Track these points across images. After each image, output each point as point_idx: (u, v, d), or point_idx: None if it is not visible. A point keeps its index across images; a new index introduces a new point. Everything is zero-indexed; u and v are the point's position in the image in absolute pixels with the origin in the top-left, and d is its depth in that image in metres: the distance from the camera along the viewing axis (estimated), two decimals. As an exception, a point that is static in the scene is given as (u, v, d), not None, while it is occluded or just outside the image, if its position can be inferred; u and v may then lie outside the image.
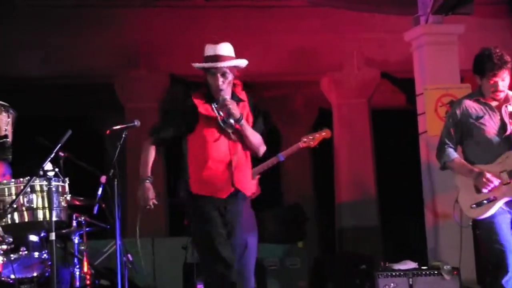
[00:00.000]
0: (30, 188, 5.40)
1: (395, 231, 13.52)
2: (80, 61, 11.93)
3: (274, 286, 9.91)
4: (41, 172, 5.45)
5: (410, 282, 7.91)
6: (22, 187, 5.35)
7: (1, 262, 6.52)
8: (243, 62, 5.89)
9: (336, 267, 10.37)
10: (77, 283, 7.53)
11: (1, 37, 11.57)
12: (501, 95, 6.22)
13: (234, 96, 5.89)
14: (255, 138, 5.86)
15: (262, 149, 5.95)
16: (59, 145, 5.71)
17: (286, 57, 12.47)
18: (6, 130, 5.15)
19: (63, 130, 5.89)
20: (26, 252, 6.73)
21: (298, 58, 12.47)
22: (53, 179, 5.50)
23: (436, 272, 8.01)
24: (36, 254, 6.77)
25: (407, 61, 10.55)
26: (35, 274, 6.84)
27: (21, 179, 5.46)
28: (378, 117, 13.18)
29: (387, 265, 8.20)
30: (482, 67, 6.16)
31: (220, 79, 5.83)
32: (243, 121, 5.75)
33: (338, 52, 12.60)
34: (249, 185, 5.98)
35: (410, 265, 8.14)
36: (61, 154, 7.08)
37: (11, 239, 6.35)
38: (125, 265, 7.13)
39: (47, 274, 6.85)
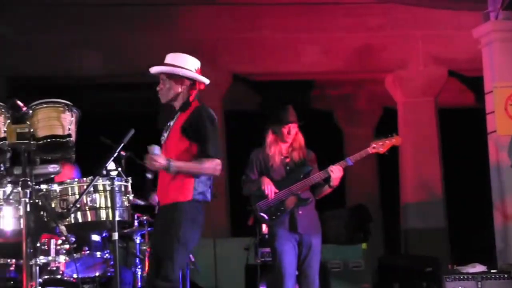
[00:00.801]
0: (93, 188, 5.34)
1: (462, 233, 13.27)
2: (142, 59, 11.90)
3: (337, 288, 9.81)
4: (104, 172, 5.40)
5: (479, 286, 7.74)
6: (85, 187, 5.30)
7: (64, 261, 6.53)
8: (169, 70, 6.03)
9: (401, 269, 10.20)
10: (139, 284, 7.51)
11: (64, 36, 11.63)
12: None
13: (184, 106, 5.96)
14: (196, 170, 5.74)
15: (212, 171, 5.80)
16: (122, 144, 5.65)
17: (350, 55, 12.34)
18: (69, 129, 5.10)
19: (126, 129, 5.85)
20: (88, 251, 6.74)
21: (363, 55, 12.33)
22: (116, 178, 5.44)
23: (505, 275, 7.80)
24: (98, 253, 6.78)
25: (476, 59, 10.32)
26: (97, 274, 6.87)
27: (84, 179, 5.42)
28: (445, 116, 12.93)
29: (454, 268, 8.01)
30: None
31: (159, 85, 6.07)
32: (172, 169, 5.65)
33: (404, 49, 12.40)
34: (165, 197, 5.78)
35: (478, 268, 7.96)
36: (123, 153, 7.05)
37: (73, 239, 6.36)
38: (187, 265, 7.07)
39: (109, 274, 6.86)
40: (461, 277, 7.79)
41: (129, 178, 5.69)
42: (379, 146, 7.05)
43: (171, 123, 5.89)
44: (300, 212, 7.07)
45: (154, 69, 6.08)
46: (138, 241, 7.75)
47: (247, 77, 12.84)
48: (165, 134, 5.86)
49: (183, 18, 12.03)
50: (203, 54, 12.05)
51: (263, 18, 12.16)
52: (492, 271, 7.88)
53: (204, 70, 12.02)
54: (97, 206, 5.39)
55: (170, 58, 6.10)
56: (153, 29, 11.91)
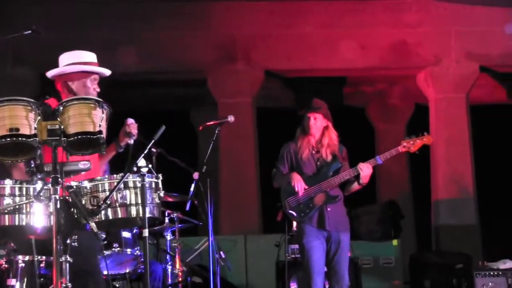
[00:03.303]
0: (124, 185, 5.36)
1: (494, 230, 13.19)
2: (176, 55, 11.98)
3: (368, 285, 9.79)
4: (135, 168, 5.43)
5: (509, 282, 7.70)
6: (115, 183, 5.33)
7: (95, 258, 6.58)
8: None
9: (432, 265, 10.17)
10: (169, 280, 7.55)
11: (97, 32, 11.69)
12: None
13: None
14: None
15: None
16: (153, 140, 5.68)
17: (386, 51, 12.28)
18: (100, 125, 5.11)
19: (158, 125, 5.88)
20: (119, 248, 6.79)
21: (398, 51, 12.27)
22: (146, 175, 5.46)
23: (537, 271, 7.74)
24: (129, 250, 6.82)
25: (508, 55, 10.25)
26: (127, 270, 6.92)
27: (115, 175, 5.44)
28: (478, 113, 12.85)
29: (485, 264, 7.96)
30: None
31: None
32: None
33: (437, 46, 12.33)
34: None
35: (509, 264, 7.91)
36: (154, 150, 7.11)
37: (104, 236, 6.40)
38: (218, 262, 7.11)
39: (139, 270, 6.91)
40: (492, 273, 7.76)
41: (160, 175, 5.70)
42: (410, 145, 7.04)
43: None
44: (329, 209, 7.09)
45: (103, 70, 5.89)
46: (168, 237, 7.80)
47: (281, 74, 12.84)
48: None
49: (218, 14, 12.05)
50: (237, 50, 12.22)
51: (299, 15, 12.14)
52: (523, 267, 7.83)
53: (237, 66, 12.22)
54: (128, 202, 5.39)
55: (90, 56, 5.93)
56: (187, 25, 11.93)
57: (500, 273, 7.77)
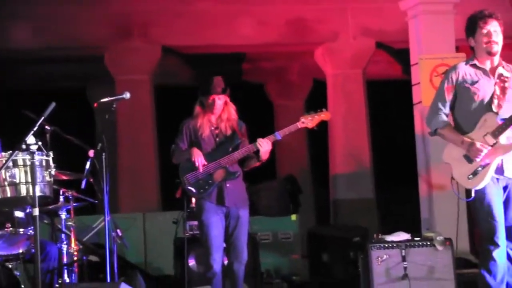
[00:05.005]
0: (12, 163, 5.26)
1: (391, 203, 13.45)
2: (71, 32, 11.74)
3: (266, 259, 9.88)
4: (24, 146, 5.32)
5: (403, 254, 7.78)
6: (3, 162, 5.21)
7: (-15, 238, 6.45)
8: None
9: (330, 239, 10.30)
10: (65, 259, 7.44)
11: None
12: (496, 48, 6.06)
13: None
14: None
15: None
16: (42, 118, 5.57)
17: (283, 27, 12.29)
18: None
19: (53, 103, 5.77)
20: (11, 228, 6.64)
21: (295, 28, 12.31)
22: (36, 153, 5.35)
23: (429, 243, 7.89)
24: (22, 230, 6.68)
25: (404, 31, 10.40)
26: (20, 251, 6.78)
27: (3, 153, 5.33)
28: (374, 88, 13.04)
29: (380, 237, 8.09)
30: (473, 22, 6.06)
31: None
32: None
33: (335, 22, 12.41)
34: None
35: (403, 236, 8.02)
36: (48, 127, 6.97)
37: (-6, 215, 6.27)
38: (114, 240, 7.04)
39: (33, 250, 6.77)
40: (386, 245, 7.85)
41: (50, 152, 5.60)
42: (308, 121, 7.07)
43: None
44: (228, 185, 7.09)
45: None
46: (63, 216, 7.66)
47: (179, 50, 12.75)
48: None
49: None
50: (133, 26, 12.05)
51: (197, -11, 12.06)
52: (415, 239, 7.95)
53: (134, 42, 12.05)
54: (17, 181, 5.32)
55: None
56: (82, 0, 11.72)
57: (395, 245, 7.87)
